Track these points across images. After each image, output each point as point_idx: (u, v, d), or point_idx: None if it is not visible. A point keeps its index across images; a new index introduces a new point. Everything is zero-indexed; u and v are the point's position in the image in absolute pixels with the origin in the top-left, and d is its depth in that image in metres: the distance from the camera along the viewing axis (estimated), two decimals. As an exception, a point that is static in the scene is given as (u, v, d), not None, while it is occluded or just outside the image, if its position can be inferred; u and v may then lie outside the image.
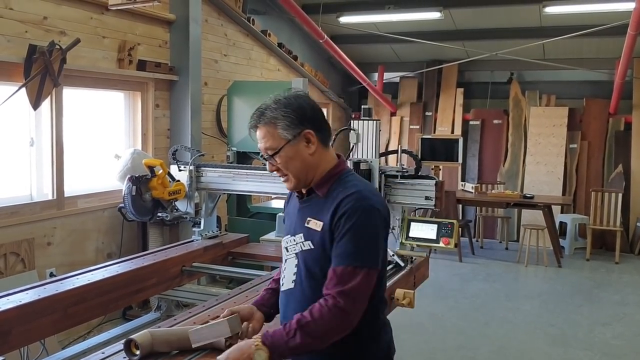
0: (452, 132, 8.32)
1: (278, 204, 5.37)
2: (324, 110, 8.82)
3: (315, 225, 1.59)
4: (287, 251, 1.69)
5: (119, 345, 1.93)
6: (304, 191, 1.69)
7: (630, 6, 5.09)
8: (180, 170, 3.58)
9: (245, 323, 1.69)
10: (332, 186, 1.62)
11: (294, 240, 1.66)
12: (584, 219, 7.38)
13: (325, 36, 6.76)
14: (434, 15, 6.79)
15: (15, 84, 3.69)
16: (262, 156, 1.65)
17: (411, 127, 8.74)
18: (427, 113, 8.74)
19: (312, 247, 1.59)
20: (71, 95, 4.29)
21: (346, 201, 1.54)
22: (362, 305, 1.52)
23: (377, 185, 2.92)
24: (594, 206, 7.21)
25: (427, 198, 2.94)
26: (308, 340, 1.47)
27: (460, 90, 8.55)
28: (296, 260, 1.65)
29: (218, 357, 1.53)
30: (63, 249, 4.12)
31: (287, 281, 1.68)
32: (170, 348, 1.91)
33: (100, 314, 3.06)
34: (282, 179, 1.66)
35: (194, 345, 1.71)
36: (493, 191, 7.37)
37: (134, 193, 3.40)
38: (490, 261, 6.92)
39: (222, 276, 4.03)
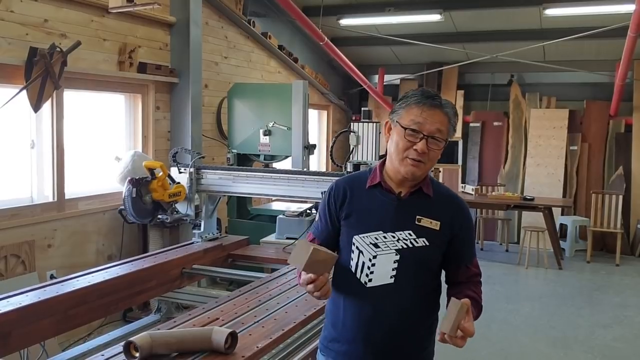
0: (453, 134, 8.32)
1: (278, 206, 5.37)
2: (324, 113, 8.83)
3: (431, 224, 1.69)
4: (377, 247, 1.68)
5: (119, 347, 1.94)
6: (397, 190, 1.71)
7: (631, 8, 5.09)
8: (180, 173, 3.60)
9: None
10: (432, 187, 1.74)
11: (394, 236, 1.67)
12: (584, 221, 7.38)
13: (326, 38, 6.77)
14: (434, 17, 6.79)
15: (16, 86, 3.69)
16: (424, 135, 1.63)
17: (411, 129, 8.71)
18: (427, 115, 8.72)
19: (428, 244, 1.68)
20: (72, 97, 4.30)
21: (462, 205, 1.76)
22: None
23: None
24: (594, 208, 7.21)
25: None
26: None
27: (461, 92, 8.56)
28: (397, 257, 1.67)
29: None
30: (63, 251, 4.12)
31: (381, 276, 1.68)
32: (170, 350, 1.92)
33: (100, 316, 3.07)
34: (415, 163, 1.65)
35: (289, 261, 1.58)
36: (493, 193, 7.37)
37: (134, 195, 3.41)
38: (491, 263, 6.91)
39: (222, 278, 4.03)
